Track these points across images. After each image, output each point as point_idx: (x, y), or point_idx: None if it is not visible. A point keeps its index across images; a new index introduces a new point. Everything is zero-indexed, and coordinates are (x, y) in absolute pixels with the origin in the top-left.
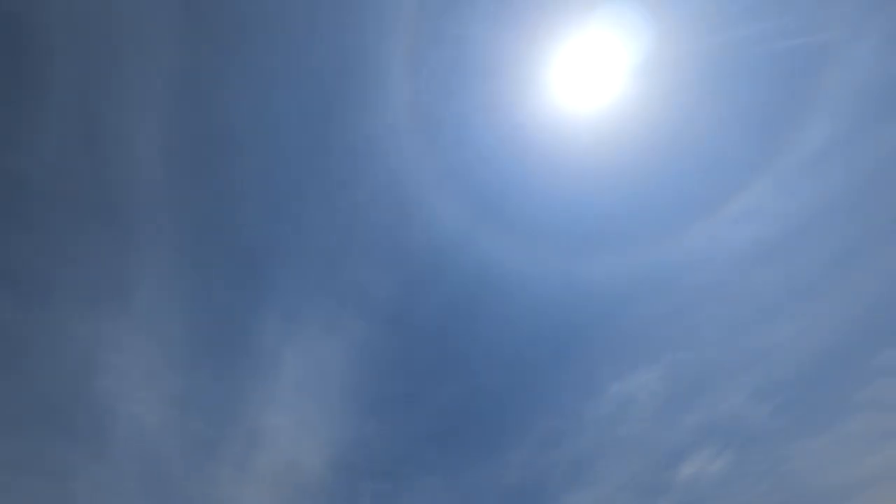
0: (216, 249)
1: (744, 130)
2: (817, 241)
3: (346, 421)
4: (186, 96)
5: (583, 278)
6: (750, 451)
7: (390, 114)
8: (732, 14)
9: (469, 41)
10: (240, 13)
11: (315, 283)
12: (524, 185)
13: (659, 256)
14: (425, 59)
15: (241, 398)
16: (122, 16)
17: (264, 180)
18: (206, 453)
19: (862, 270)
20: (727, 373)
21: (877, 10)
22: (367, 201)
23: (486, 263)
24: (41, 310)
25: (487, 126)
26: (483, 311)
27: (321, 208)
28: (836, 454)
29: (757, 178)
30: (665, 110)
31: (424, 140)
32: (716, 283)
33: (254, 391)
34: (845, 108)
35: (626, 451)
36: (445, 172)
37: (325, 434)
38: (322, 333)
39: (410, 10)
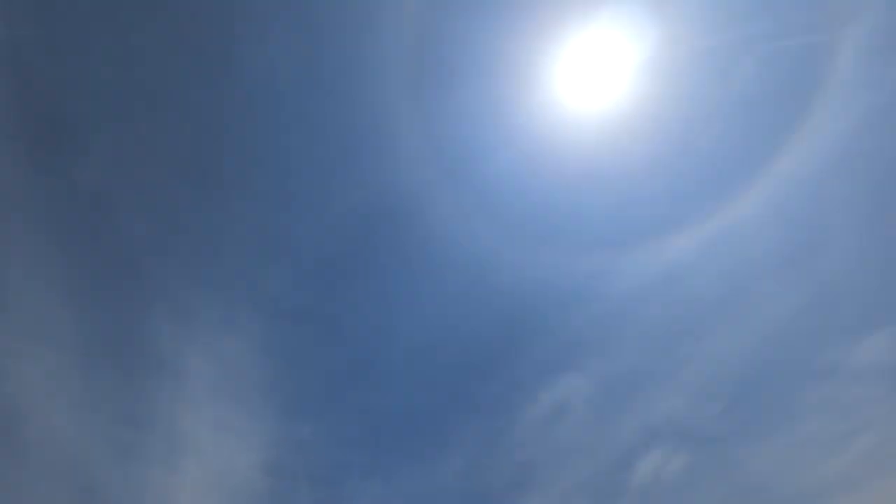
0: (88, 249)
1: (738, 133)
2: (760, 241)
3: (269, 424)
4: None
5: (519, 278)
6: (703, 455)
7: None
8: (734, 14)
9: (470, 40)
10: None
11: (208, 281)
12: (466, 180)
13: (605, 260)
14: (426, 56)
15: (146, 400)
16: None
17: (132, 175)
18: (118, 458)
19: (803, 270)
20: (668, 377)
21: (877, 9)
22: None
23: (419, 262)
24: None
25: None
26: (408, 312)
27: (211, 203)
28: (795, 458)
29: (740, 186)
30: (665, 110)
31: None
32: (653, 287)
33: (158, 393)
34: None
35: (571, 455)
36: (363, 161)
37: (248, 438)
38: (225, 333)
39: (411, 8)
